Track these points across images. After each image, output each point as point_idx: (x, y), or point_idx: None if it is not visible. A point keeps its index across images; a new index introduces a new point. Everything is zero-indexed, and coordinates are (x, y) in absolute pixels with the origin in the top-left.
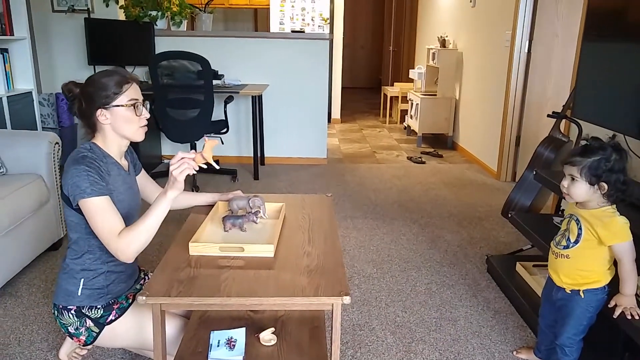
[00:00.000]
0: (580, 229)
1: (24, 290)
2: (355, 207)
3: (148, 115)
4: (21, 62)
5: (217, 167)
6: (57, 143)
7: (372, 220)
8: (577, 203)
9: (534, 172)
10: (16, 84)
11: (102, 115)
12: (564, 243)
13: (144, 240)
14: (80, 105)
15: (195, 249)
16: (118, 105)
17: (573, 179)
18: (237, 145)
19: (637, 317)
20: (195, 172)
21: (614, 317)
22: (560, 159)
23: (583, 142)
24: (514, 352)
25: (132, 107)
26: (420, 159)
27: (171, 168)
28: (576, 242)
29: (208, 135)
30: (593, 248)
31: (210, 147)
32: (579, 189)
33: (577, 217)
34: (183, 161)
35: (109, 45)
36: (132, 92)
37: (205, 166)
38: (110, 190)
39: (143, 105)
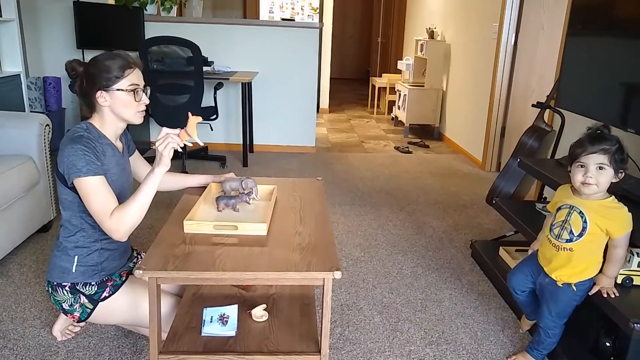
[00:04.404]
0: (585, 222)
1: (15, 270)
2: (343, 194)
3: (147, 101)
4: (9, 45)
5: (201, 144)
6: (47, 125)
7: (359, 207)
8: (574, 192)
9: (518, 160)
10: (4, 66)
11: (101, 97)
12: (566, 236)
13: (136, 219)
14: (82, 84)
15: (190, 226)
16: (118, 89)
17: (601, 167)
18: (226, 132)
19: (612, 296)
20: (180, 150)
21: (590, 293)
22: (577, 150)
23: (591, 131)
24: (521, 330)
25: (132, 92)
26: (407, 149)
27: (157, 144)
28: (580, 235)
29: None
30: (597, 241)
31: (194, 123)
32: (606, 177)
33: (580, 210)
34: (168, 136)
35: (98, 29)
36: (134, 77)
37: (190, 143)
38: (105, 170)
39: (144, 91)
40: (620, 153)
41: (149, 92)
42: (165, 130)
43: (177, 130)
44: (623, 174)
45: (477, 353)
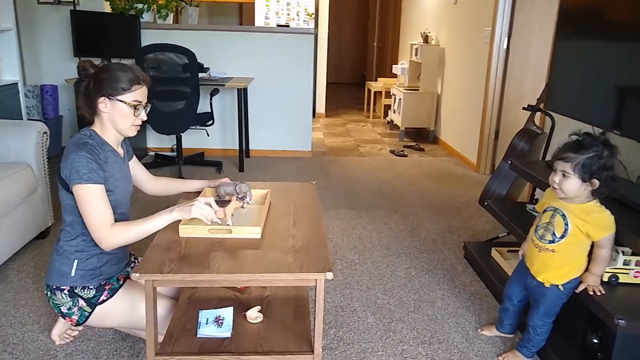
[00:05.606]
0: (567, 224)
1: (13, 276)
2: (338, 197)
3: (145, 118)
4: (7, 53)
5: (231, 227)
6: (45, 133)
7: (355, 210)
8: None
9: (509, 162)
10: (1, 75)
11: (103, 103)
12: (548, 237)
13: (131, 240)
14: (89, 85)
15: (185, 230)
16: (121, 101)
17: (565, 175)
18: (223, 137)
19: (598, 294)
20: (208, 222)
21: (577, 291)
22: (553, 154)
23: (574, 137)
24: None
25: (134, 107)
26: (402, 152)
27: (196, 203)
28: (562, 236)
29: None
30: (579, 243)
31: (233, 208)
32: (570, 184)
33: (562, 212)
34: (207, 207)
35: (95, 37)
36: (139, 94)
37: (219, 221)
38: (107, 177)
39: (144, 108)
40: (595, 163)
41: (148, 109)
42: (210, 200)
43: (216, 207)
44: (598, 183)
45: (468, 352)
